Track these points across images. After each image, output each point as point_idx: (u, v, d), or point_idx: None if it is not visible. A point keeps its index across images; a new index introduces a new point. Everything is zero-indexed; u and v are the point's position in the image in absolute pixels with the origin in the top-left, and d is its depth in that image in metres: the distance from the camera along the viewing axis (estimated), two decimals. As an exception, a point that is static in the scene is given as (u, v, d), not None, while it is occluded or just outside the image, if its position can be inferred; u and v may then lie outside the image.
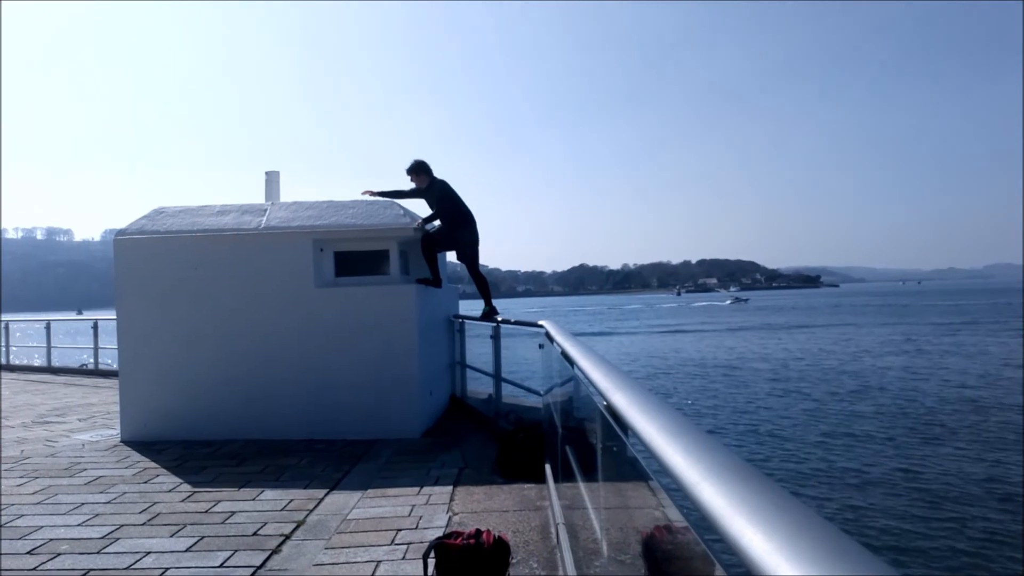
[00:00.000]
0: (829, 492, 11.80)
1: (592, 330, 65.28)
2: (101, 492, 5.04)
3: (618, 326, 72.01)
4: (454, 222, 7.45)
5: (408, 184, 7.48)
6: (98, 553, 3.82)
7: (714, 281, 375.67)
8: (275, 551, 3.83)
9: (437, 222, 7.38)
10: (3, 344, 15.27)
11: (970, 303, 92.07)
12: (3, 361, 15.17)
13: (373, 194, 7.30)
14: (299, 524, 4.28)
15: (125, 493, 5.01)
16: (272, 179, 8.21)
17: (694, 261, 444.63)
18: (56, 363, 14.33)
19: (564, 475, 3.60)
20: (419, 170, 7.41)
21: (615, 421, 1.67)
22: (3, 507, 4.69)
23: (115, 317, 7.01)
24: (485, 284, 7.88)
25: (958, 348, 35.40)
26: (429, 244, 7.23)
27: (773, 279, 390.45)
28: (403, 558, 3.68)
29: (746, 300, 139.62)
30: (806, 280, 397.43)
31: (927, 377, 25.15)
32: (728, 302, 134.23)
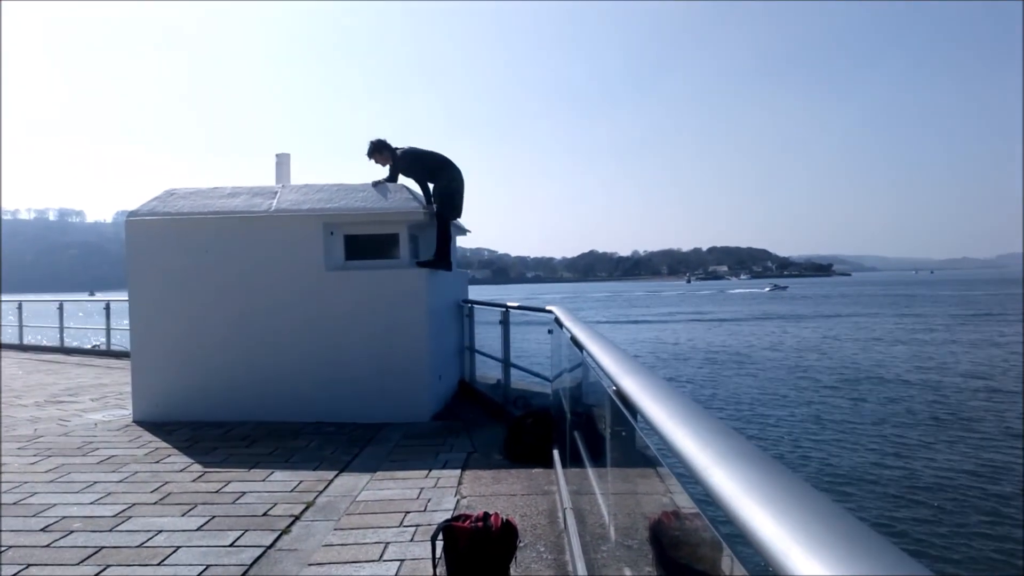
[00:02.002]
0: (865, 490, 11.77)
1: (643, 318, 62.01)
2: (113, 471, 5.10)
3: (662, 314, 68.64)
4: (434, 175, 7.10)
5: (378, 170, 7.21)
6: (110, 531, 3.87)
7: (725, 269, 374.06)
8: (285, 531, 3.87)
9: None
10: (17, 324, 15.42)
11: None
12: (17, 341, 15.33)
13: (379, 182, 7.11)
14: (308, 505, 4.31)
15: (137, 473, 5.06)
16: (283, 162, 8.21)
17: (704, 248, 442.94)
18: (69, 344, 14.47)
19: (572, 460, 3.60)
20: (377, 149, 7.12)
21: (624, 406, 1.67)
22: (17, 485, 4.75)
23: (127, 298, 7.06)
24: (446, 238, 7.20)
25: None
26: (440, 220, 7.10)
27: (784, 267, 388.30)
28: (411, 540, 3.71)
29: (785, 288, 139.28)
30: (818, 268, 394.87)
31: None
32: (767, 289, 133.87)
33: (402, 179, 7.23)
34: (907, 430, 15.53)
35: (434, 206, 7.10)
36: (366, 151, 7.17)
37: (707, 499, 0.81)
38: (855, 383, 21.88)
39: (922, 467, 12.62)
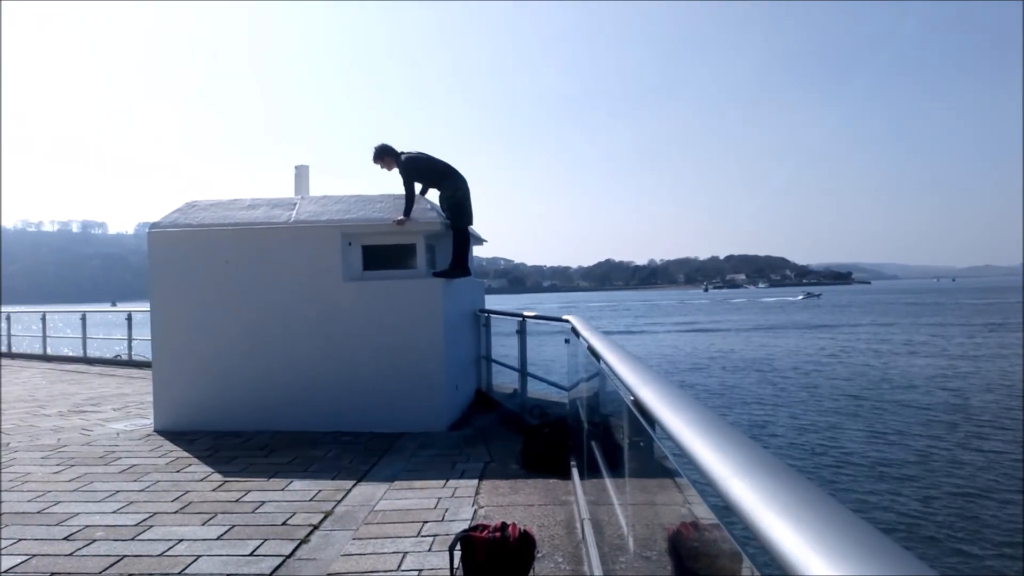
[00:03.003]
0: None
1: (694, 325, 60.06)
2: (135, 480, 5.15)
3: (711, 322, 66.12)
4: (440, 183, 7.12)
5: (386, 175, 7.19)
6: (132, 540, 3.91)
7: (742, 277, 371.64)
8: (304, 541, 3.89)
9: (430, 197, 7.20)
10: (41, 335, 15.65)
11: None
12: (40, 351, 15.55)
13: (401, 221, 6.86)
14: (327, 514, 4.33)
15: (158, 482, 5.11)
16: (302, 173, 8.29)
17: (722, 256, 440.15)
18: (91, 354, 14.65)
19: (590, 470, 3.59)
20: (382, 154, 7.14)
21: (642, 416, 1.67)
22: (41, 494, 4.82)
23: (148, 309, 7.15)
24: (464, 245, 7.26)
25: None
26: (454, 229, 7.14)
27: (803, 275, 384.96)
28: (429, 550, 3.71)
29: (818, 295, 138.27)
30: (837, 276, 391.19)
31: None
32: (800, 297, 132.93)
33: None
34: (936, 439, 15.31)
35: (446, 214, 7.13)
36: (372, 157, 7.22)
37: (726, 509, 0.81)
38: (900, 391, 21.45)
39: (945, 476, 12.44)
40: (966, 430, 16.07)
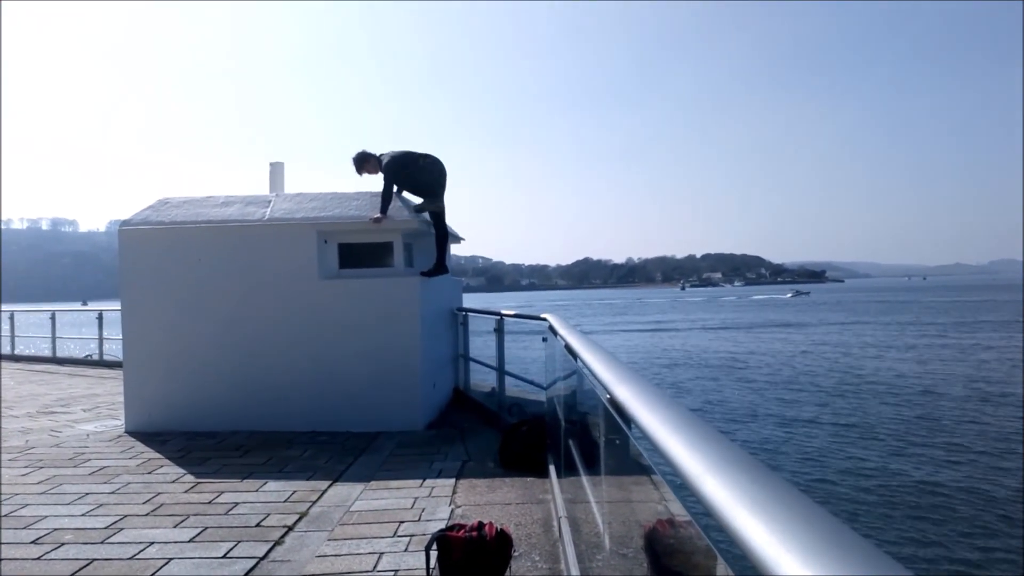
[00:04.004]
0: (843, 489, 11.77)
1: (702, 323, 59.25)
2: (105, 482, 5.06)
3: (704, 319, 65.40)
4: (416, 166, 7.04)
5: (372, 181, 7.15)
6: (102, 543, 3.84)
7: (719, 275, 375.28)
8: (278, 542, 3.84)
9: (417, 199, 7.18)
10: (8, 334, 15.33)
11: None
12: (8, 351, 15.24)
13: (378, 219, 6.80)
14: (302, 515, 4.29)
15: (129, 484, 5.03)
16: (276, 170, 8.21)
17: (698, 255, 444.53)
18: (61, 354, 14.39)
19: (567, 468, 3.59)
20: (362, 162, 7.08)
21: (618, 414, 1.67)
22: (7, 497, 4.71)
23: (120, 308, 7.03)
24: (444, 240, 7.32)
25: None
26: (436, 222, 7.16)
27: (778, 274, 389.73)
28: (405, 550, 3.69)
29: (807, 293, 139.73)
30: (811, 275, 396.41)
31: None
32: (789, 295, 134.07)
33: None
34: (915, 435, 15.55)
35: (426, 206, 7.10)
36: (354, 168, 7.12)
37: (700, 507, 0.81)
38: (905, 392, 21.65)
39: (920, 470, 12.65)
40: (953, 429, 16.26)
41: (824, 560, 0.55)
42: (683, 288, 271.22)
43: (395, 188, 6.97)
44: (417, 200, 7.21)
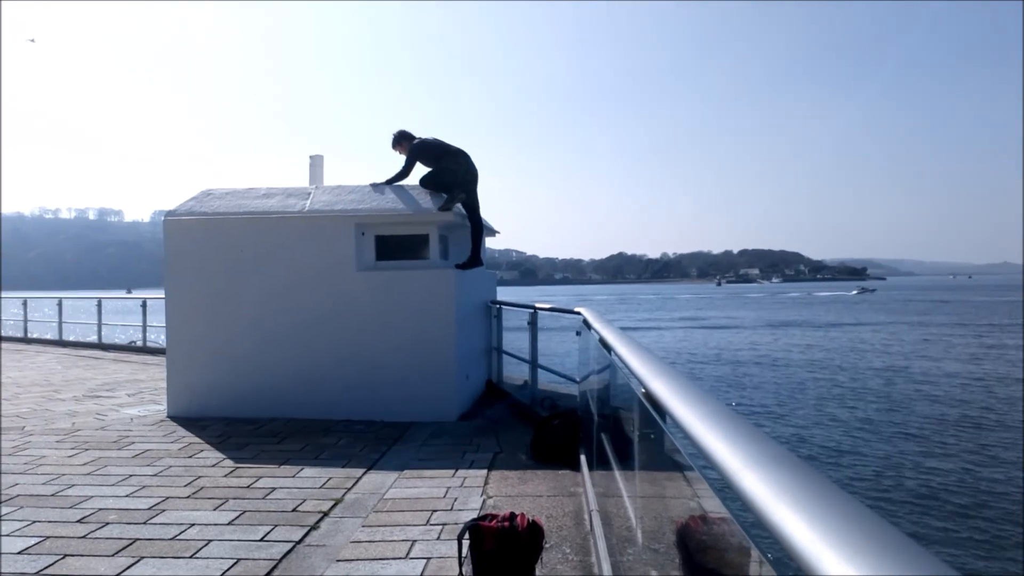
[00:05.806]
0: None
1: (774, 321, 55.06)
2: (148, 465, 5.20)
3: (788, 320, 59.47)
4: (440, 160, 7.14)
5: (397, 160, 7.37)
6: (144, 524, 3.95)
7: (756, 271, 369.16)
8: (314, 527, 3.91)
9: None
10: (57, 320, 15.82)
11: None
12: (57, 337, 15.72)
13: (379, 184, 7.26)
14: (337, 502, 4.35)
15: (171, 467, 5.16)
16: (316, 163, 8.31)
17: (735, 251, 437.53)
18: (106, 340, 14.80)
19: (599, 462, 3.59)
20: (400, 140, 7.39)
21: (653, 408, 1.66)
22: (55, 477, 4.87)
23: (163, 296, 7.20)
24: (479, 233, 7.48)
25: None
26: (472, 216, 7.25)
27: (817, 271, 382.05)
28: (437, 538, 3.72)
29: (873, 291, 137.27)
30: (851, 272, 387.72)
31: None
32: (854, 292, 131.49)
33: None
34: (955, 435, 15.13)
35: (449, 204, 7.12)
36: (391, 142, 7.47)
37: (737, 502, 0.80)
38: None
39: (962, 470, 12.32)
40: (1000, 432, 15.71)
41: (867, 559, 0.54)
42: (719, 284, 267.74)
43: (404, 175, 7.28)
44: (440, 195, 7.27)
